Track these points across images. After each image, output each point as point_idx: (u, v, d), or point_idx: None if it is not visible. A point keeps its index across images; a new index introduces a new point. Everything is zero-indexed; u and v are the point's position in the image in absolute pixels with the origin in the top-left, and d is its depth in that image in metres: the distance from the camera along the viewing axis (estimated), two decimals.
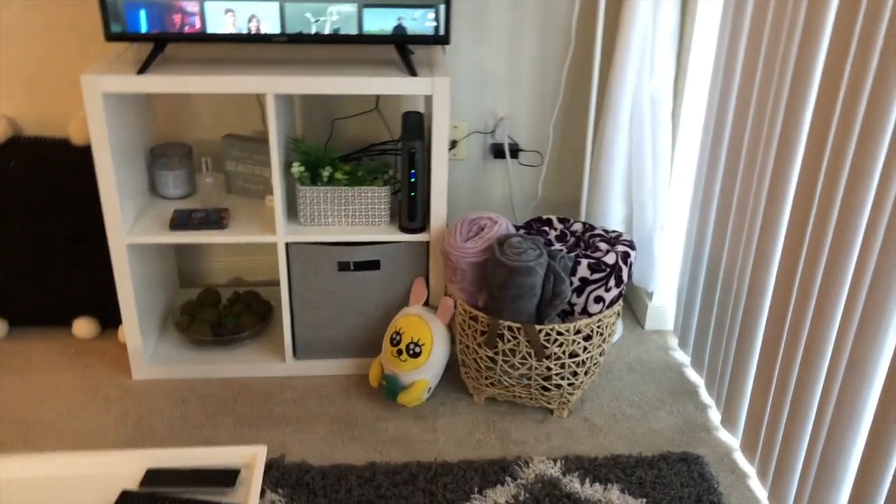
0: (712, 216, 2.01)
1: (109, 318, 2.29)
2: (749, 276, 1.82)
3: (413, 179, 1.98)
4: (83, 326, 2.28)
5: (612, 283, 1.90)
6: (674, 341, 2.36)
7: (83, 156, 2.16)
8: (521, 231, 2.08)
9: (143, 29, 1.83)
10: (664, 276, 2.34)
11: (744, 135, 1.81)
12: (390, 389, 2.04)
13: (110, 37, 1.84)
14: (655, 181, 2.19)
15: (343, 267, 2.07)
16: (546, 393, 2.00)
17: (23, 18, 2.14)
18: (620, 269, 1.91)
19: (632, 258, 1.95)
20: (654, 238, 2.25)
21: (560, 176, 2.49)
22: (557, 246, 2.04)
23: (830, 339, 1.49)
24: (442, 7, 1.87)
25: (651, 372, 2.24)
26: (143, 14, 1.82)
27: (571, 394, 2.01)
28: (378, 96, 2.32)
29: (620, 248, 1.94)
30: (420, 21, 1.88)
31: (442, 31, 1.90)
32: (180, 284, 2.52)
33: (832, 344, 1.49)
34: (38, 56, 2.20)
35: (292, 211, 2.09)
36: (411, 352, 2.00)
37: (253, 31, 1.85)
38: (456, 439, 1.97)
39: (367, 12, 1.86)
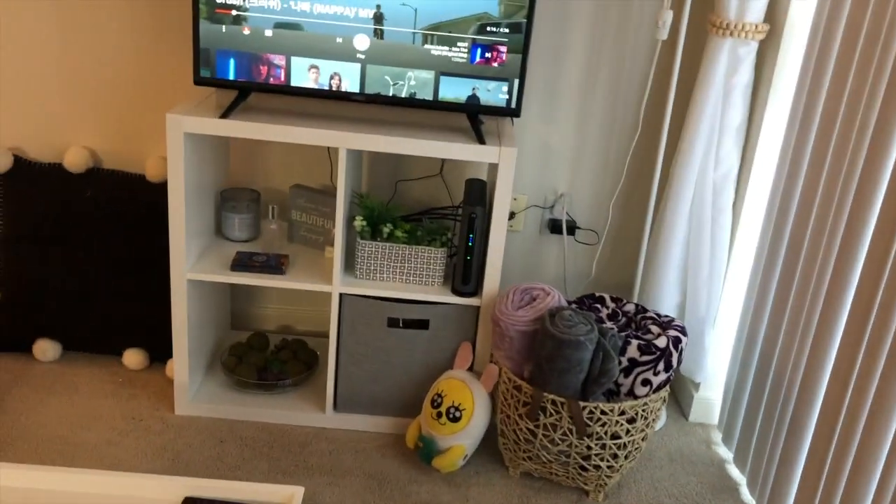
0: (767, 311, 1.99)
1: (159, 351, 2.34)
2: (801, 376, 1.78)
3: (471, 244, 2.01)
4: (133, 357, 2.33)
5: (661, 367, 1.88)
6: (718, 436, 2.30)
7: (156, 192, 2.25)
8: (574, 306, 2.08)
9: (231, 76, 1.93)
10: (713, 368, 2.30)
11: (805, 231, 1.81)
12: (426, 452, 2.02)
13: (199, 81, 1.93)
14: (712, 271, 2.18)
15: (392, 323, 2.09)
16: (584, 473, 1.96)
17: (115, 56, 2.27)
18: (671, 354, 1.89)
19: (683, 344, 1.93)
20: (706, 328, 2.23)
21: (615, 257, 2.50)
22: (608, 324, 2.04)
23: (884, 448, 1.45)
24: (516, 81, 1.93)
25: (692, 465, 2.18)
26: (232, 62, 1.91)
27: (609, 476, 1.97)
28: (443, 162, 2.38)
29: (672, 332, 1.93)
30: (494, 93, 1.94)
31: (513, 105, 1.95)
32: (231, 326, 2.56)
33: (885, 453, 1.45)
34: (126, 93, 2.32)
35: (350, 264, 2.14)
36: (451, 416, 1.99)
37: (334, 88, 1.93)
38: None
39: (444, 80, 1.93)
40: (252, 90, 1.96)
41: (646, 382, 1.88)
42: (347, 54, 1.90)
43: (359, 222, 2.06)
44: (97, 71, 2.29)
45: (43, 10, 2.22)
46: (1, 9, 2.22)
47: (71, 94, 2.32)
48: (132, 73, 2.29)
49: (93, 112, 2.34)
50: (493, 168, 2.01)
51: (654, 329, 1.96)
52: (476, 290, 2.07)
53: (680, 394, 2.47)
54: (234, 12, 1.86)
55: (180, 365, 2.13)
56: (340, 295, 2.07)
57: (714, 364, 2.30)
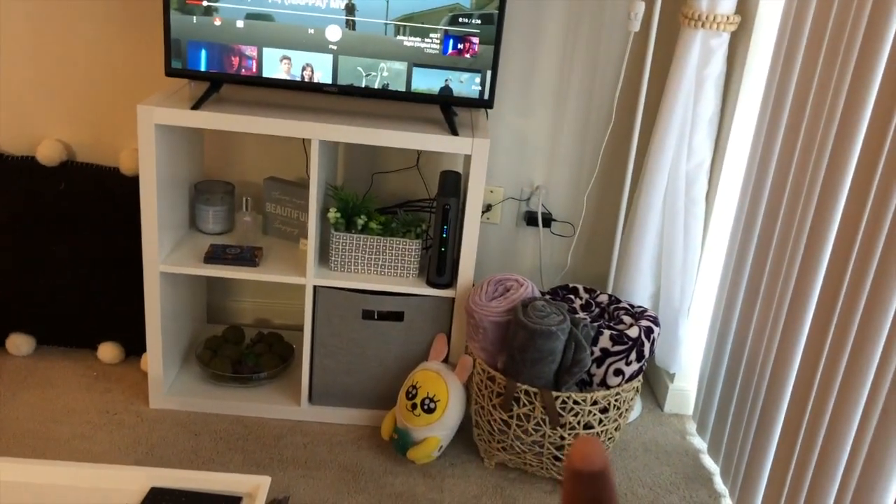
0: (739, 302, 2.00)
1: (134, 345, 2.33)
2: (771, 367, 1.80)
3: (445, 235, 2.01)
4: (107, 351, 2.32)
5: (633, 357, 1.89)
6: (692, 426, 2.32)
7: (129, 185, 2.24)
8: (547, 296, 2.08)
9: (202, 67, 1.92)
10: (687, 358, 2.32)
11: (776, 221, 1.82)
12: (401, 444, 2.03)
13: (170, 72, 1.92)
14: (685, 262, 2.19)
15: (367, 315, 2.09)
16: (557, 463, 1.97)
17: (87, 49, 2.26)
18: (643, 344, 1.90)
19: (655, 334, 1.94)
20: (680, 319, 2.24)
21: (590, 248, 2.51)
22: (581, 314, 2.04)
23: (849, 437, 1.46)
24: (488, 72, 1.93)
25: (667, 455, 2.19)
26: (203, 54, 1.90)
27: None
28: (419, 154, 2.38)
29: (644, 322, 1.94)
30: (467, 84, 1.94)
31: (486, 96, 1.95)
32: (207, 320, 2.55)
33: (850, 442, 1.46)
34: (99, 85, 2.30)
35: (324, 256, 2.13)
36: (426, 407, 1.99)
37: (306, 80, 1.93)
38: (462, 501, 1.94)
39: (417, 71, 1.92)
40: (224, 81, 1.95)
41: (618, 372, 1.89)
42: (319, 45, 1.90)
43: (333, 214, 2.06)
44: (70, 63, 2.27)
45: (14, 9, 2.20)
46: None
47: (43, 87, 2.30)
48: (105, 64, 2.28)
49: (66, 104, 2.32)
50: (468, 160, 2.01)
51: (627, 319, 1.97)
52: (451, 282, 2.07)
53: (655, 384, 2.48)
54: (204, 3, 1.85)
55: (154, 358, 2.12)
56: (315, 287, 2.06)
57: (688, 355, 2.31)
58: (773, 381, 1.79)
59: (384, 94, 1.95)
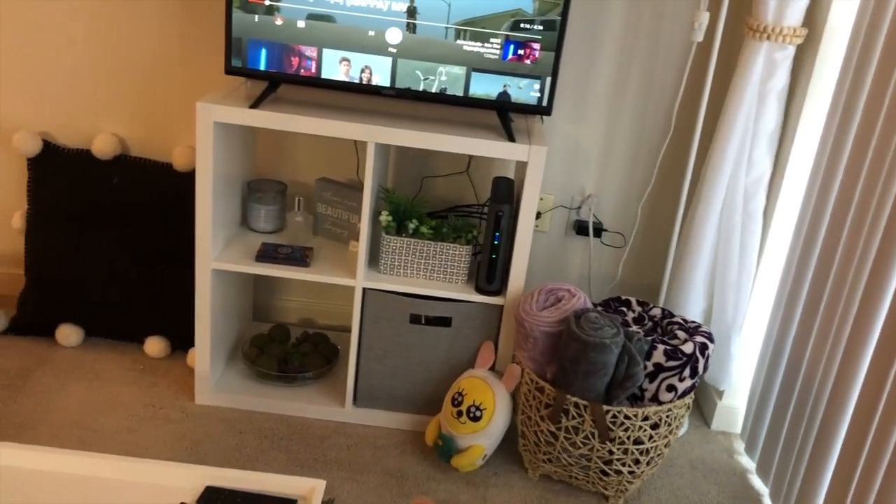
0: (796, 320, 1.95)
1: (180, 340, 2.34)
2: (831, 386, 1.75)
3: (496, 242, 1.99)
4: (154, 345, 2.33)
5: (686, 373, 1.86)
6: (741, 445, 2.27)
7: (182, 182, 2.25)
8: (599, 308, 2.05)
9: (262, 67, 1.92)
10: (738, 376, 2.27)
11: (839, 239, 1.77)
12: (445, 450, 2.01)
13: (230, 71, 1.93)
14: (740, 277, 2.15)
15: (415, 319, 2.08)
16: (604, 478, 1.94)
17: (145, 44, 2.28)
18: (697, 360, 1.86)
19: (709, 351, 1.90)
20: (733, 335, 2.20)
21: (641, 260, 2.47)
22: (634, 328, 2.01)
23: None
24: (548, 79, 1.91)
25: (714, 473, 2.15)
26: (263, 53, 1.91)
27: (630, 482, 1.95)
28: (470, 159, 2.36)
29: (699, 338, 1.90)
30: (525, 90, 1.92)
31: (545, 103, 1.93)
32: (253, 317, 2.56)
33: None
34: (155, 81, 2.32)
35: (374, 259, 2.12)
36: (472, 415, 1.97)
37: (364, 82, 1.92)
38: None
39: (476, 76, 1.91)
40: (282, 81, 1.95)
41: (671, 388, 1.86)
42: (379, 48, 1.89)
43: (384, 217, 2.05)
44: (127, 58, 2.30)
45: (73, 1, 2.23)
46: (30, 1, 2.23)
47: (100, 81, 2.32)
48: (162, 60, 2.30)
49: (122, 99, 2.34)
50: (521, 166, 1.99)
51: (681, 334, 1.93)
52: (500, 290, 2.05)
53: (703, 401, 2.43)
54: (266, 2, 1.86)
55: (202, 355, 2.13)
56: (364, 289, 2.06)
57: (739, 372, 2.27)
58: (832, 402, 1.74)
59: (442, 98, 1.93)
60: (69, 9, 2.24)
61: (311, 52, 1.90)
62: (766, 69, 1.98)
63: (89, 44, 2.28)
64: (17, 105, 2.35)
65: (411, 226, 2.06)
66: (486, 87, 1.92)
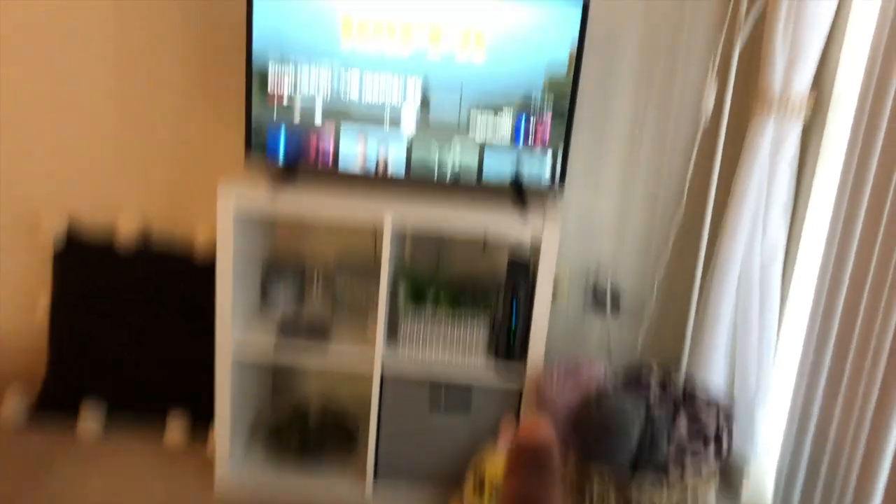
0: (820, 389, 1.93)
1: (201, 417, 2.34)
2: (861, 456, 1.72)
3: (514, 316, 2.00)
4: (175, 426, 2.33)
5: (711, 450, 1.83)
6: None
7: (203, 260, 2.29)
8: (620, 382, 2.04)
9: (281, 154, 1.98)
10: (765, 447, 2.23)
11: (859, 308, 1.76)
12: None
13: (250, 158, 1.99)
14: (761, 348, 2.13)
15: (435, 396, 2.07)
16: None
17: (166, 129, 2.35)
18: (721, 438, 1.84)
19: (733, 423, 1.88)
20: (756, 406, 2.17)
21: (661, 331, 2.46)
22: (656, 402, 1.99)
23: None
24: (559, 158, 1.95)
25: None
26: (282, 141, 1.97)
27: None
28: (486, 240, 2.39)
29: (722, 412, 1.88)
30: (537, 168, 1.96)
31: (557, 180, 1.97)
32: (273, 396, 2.57)
33: None
34: (175, 165, 2.38)
35: (392, 333, 2.14)
36: (495, 493, 1.95)
37: (380, 169, 1.97)
38: None
39: (488, 157, 1.95)
40: (301, 168, 2.01)
41: (696, 463, 1.83)
42: (394, 136, 1.94)
43: (403, 292, 2.07)
44: (150, 143, 2.37)
45: (99, 84, 2.31)
46: (57, 82, 2.32)
47: (123, 167, 2.39)
48: (184, 147, 2.37)
49: (143, 182, 2.41)
50: (537, 241, 2.01)
51: (703, 408, 1.91)
52: (520, 364, 2.05)
53: (731, 473, 2.38)
54: (285, 100, 1.92)
55: (222, 446, 2.13)
56: (383, 367, 2.06)
57: (766, 443, 2.23)
58: (863, 471, 1.70)
59: (456, 181, 1.97)
60: (88, 94, 2.32)
61: (328, 138, 1.96)
62: (776, 142, 2.01)
63: (112, 130, 2.36)
64: (43, 191, 2.42)
65: (430, 298, 2.07)
66: (499, 167, 1.96)
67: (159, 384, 2.34)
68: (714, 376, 2.20)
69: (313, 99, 1.92)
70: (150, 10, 2.26)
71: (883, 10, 1.72)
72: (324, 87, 1.91)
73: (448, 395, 2.07)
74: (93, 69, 2.31)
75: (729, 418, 1.86)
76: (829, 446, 1.86)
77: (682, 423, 1.83)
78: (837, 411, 1.84)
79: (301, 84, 1.91)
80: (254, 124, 1.95)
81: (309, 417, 2.37)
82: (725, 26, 2.14)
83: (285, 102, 1.93)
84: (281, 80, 1.92)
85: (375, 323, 2.07)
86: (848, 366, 1.80)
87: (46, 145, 2.38)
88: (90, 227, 2.44)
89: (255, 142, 1.97)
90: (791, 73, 1.93)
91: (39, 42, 2.30)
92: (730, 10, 2.12)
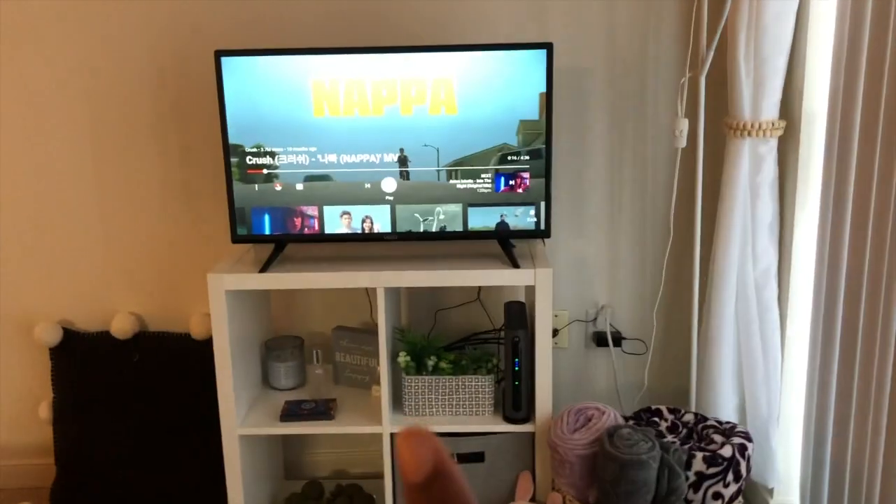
0: (831, 406, 1.91)
1: None
2: (881, 471, 1.69)
3: (517, 368, 1.99)
4: None
5: (730, 477, 1.80)
6: None
7: (201, 349, 2.28)
8: (631, 422, 2.02)
9: (267, 231, 1.98)
10: (785, 471, 2.20)
11: (858, 317, 1.76)
12: None
13: (236, 240, 1.99)
14: (767, 368, 2.12)
15: (447, 447, 2.04)
16: None
17: (151, 224, 2.36)
18: (738, 463, 1.81)
19: (749, 451, 1.86)
20: (770, 429, 2.15)
21: (666, 364, 2.45)
22: (669, 438, 1.97)
23: None
24: (542, 204, 1.96)
25: None
26: (267, 218, 1.98)
27: None
28: (480, 288, 2.39)
29: (736, 440, 1.86)
30: (522, 217, 1.97)
31: (542, 226, 1.98)
32: (285, 476, 2.53)
33: None
34: (165, 257, 2.39)
35: (398, 401, 2.12)
36: None
37: (366, 231, 1.98)
38: None
39: (472, 211, 1.96)
40: (288, 241, 2.01)
41: (717, 496, 1.80)
42: (377, 197, 1.96)
43: (402, 358, 2.06)
44: (136, 238, 2.38)
45: (81, 186, 2.33)
46: (41, 187, 2.34)
47: (113, 264, 2.40)
48: (170, 237, 2.37)
49: (134, 278, 2.41)
50: (531, 289, 2.01)
51: (718, 438, 1.89)
52: (529, 416, 2.03)
53: (754, 501, 2.35)
54: (265, 171, 1.94)
55: None
56: (392, 434, 2.04)
57: (785, 467, 2.20)
58: (884, 490, 1.68)
59: (442, 235, 1.98)
60: (76, 200, 2.34)
61: (312, 210, 1.97)
62: (753, 164, 2.03)
63: (98, 230, 2.37)
64: (35, 296, 2.42)
65: (430, 363, 2.06)
66: (483, 219, 1.97)
67: (171, 481, 2.30)
68: (724, 402, 2.18)
69: (293, 172, 1.94)
70: (122, 113, 2.29)
71: (839, 28, 1.76)
72: (301, 159, 1.93)
73: (460, 449, 2.04)
74: (71, 175, 2.33)
75: (744, 444, 1.84)
76: (849, 465, 1.84)
77: (697, 452, 1.81)
78: (851, 428, 1.82)
79: (279, 160, 1.93)
80: (237, 206, 1.97)
81: (324, 495, 2.33)
82: (689, 58, 2.18)
83: (265, 181, 1.94)
84: (259, 160, 1.94)
85: (379, 394, 2.05)
86: (856, 377, 1.79)
87: (35, 257, 2.39)
88: (85, 330, 2.43)
89: (240, 223, 1.98)
90: (759, 99, 1.96)
91: (19, 153, 2.32)
92: (690, 42, 2.16)
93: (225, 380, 2.01)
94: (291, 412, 2.07)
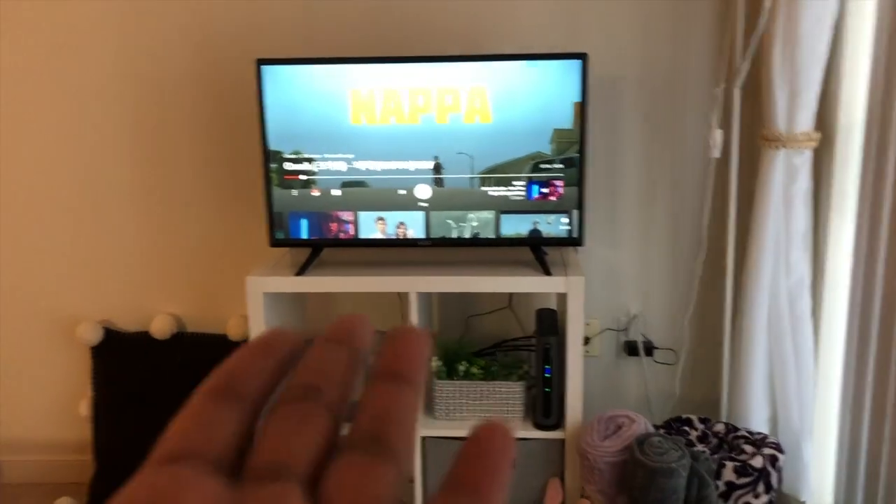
0: (866, 418, 1.90)
1: None
2: None
3: (548, 375, 2.00)
4: None
5: (760, 488, 1.80)
6: None
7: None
8: (661, 430, 2.02)
9: (304, 235, 2.03)
10: (818, 483, 2.18)
11: (893, 331, 1.75)
12: None
13: (274, 243, 2.04)
14: (800, 380, 2.11)
15: None
16: None
17: (192, 227, 2.42)
18: (769, 474, 1.81)
19: (780, 462, 1.85)
20: (803, 442, 2.13)
21: (697, 374, 2.44)
22: (700, 447, 1.97)
23: None
24: (575, 212, 1.98)
25: None
26: (304, 223, 2.02)
27: None
28: (511, 294, 2.41)
29: (767, 450, 1.85)
30: (554, 225, 1.99)
31: (575, 234, 1.99)
32: None
33: None
34: (204, 260, 2.44)
35: (428, 405, 2.14)
36: None
37: (400, 237, 2.01)
38: None
39: (505, 218, 1.99)
40: (324, 246, 2.05)
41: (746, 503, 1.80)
42: (411, 204, 1.99)
43: (434, 363, 2.09)
44: (176, 242, 2.44)
45: (124, 191, 2.40)
46: (84, 191, 2.41)
47: (153, 265, 2.46)
48: (209, 241, 2.43)
49: (174, 279, 2.47)
50: (562, 296, 2.02)
51: (748, 448, 1.89)
52: (559, 423, 2.04)
53: None
54: (302, 177, 1.98)
55: None
56: (423, 438, 2.06)
57: (819, 479, 2.18)
58: None
59: (475, 242, 2.01)
60: (119, 202, 2.41)
61: (348, 216, 2.01)
62: (788, 175, 2.03)
63: (140, 234, 2.43)
64: (78, 297, 2.49)
65: (461, 368, 2.09)
66: (516, 226, 1.99)
67: None
68: (756, 414, 2.17)
69: (330, 178, 1.98)
70: (164, 119, 2.35)
71: (877, 39, 1.76)
72: (338, 166, 1.97)
73: None
74: (114, 179, 2.40)
75: (775, 455, 1.84)
76: (883, 478, 1.83)
77: (728, 462, 1.80)
78: (886, 440, 1.81)
79: (317, 166, 1.98)
80: (275, 211, 2.01)
81: None
82: (723, 68, 2.18)
83: (303, 186, 1.99)
84: (297, 166, 1.98)
85: None
86: (891, 389, 1.78)
87: (77, 258, 2.46)
88: (125, 330, 2.49)
89: (278, 227, 2.02)
90: (794, 111, 1.96)
91: (63, 158, 2.39)
92: (725, 52, 2.16)
93: None
94: None
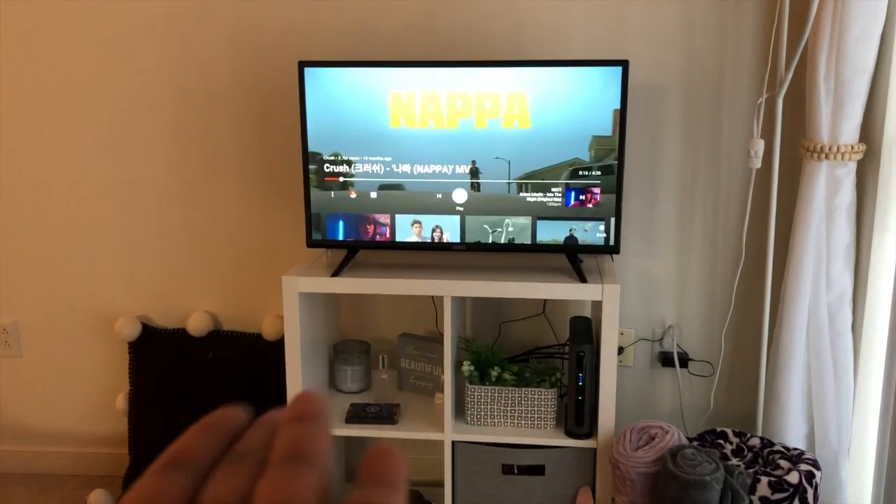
0: None
1: None
2: None
3: (581, 383, 1.99)
4: None
5: (795, 501, 1.77)
6: None
7: (272, 350, 2.35)
8: (695, 443, 2.00)
9: (340, 237, 2.04)
10: (855, 502, 2.14)
11: None
12: None
13: (311, 244, 2.06)
14: (838, 397, 2.07)
15: (507, 470, 2.06)
16: None
17: (231, 226, 2.45)
18: (805, 490, 1.78)
19: (817, 479, 1.82)
20: (840, 459, 2.09)
21: (733, 388, 2.41)
22: (734, 461, 1.94)
23: None
24: (612, 220, 1.97)
25: None
26: (341, 224, 2.04)
27: None
28: (545, 301, 2.40)
29: (804, 466, 1.82)
30: (591, 232, 1.98)
31: (612, 242, 1.98)
32: (346, 478, 2.57)
33: None
34: (241, 259, 2.48)
35: (460, 409, 2.14)
36: None
37: (436, 241, 2.02)
38: None
39: (541, 224, 1.98)
40: (360, 248, 2.07)
41: None
42: (447, 208, 1.99)
43: (466, 367, 2.09)
44: (214, 240, 2.47)
45: (164, 190, 2.44)
46: (126, 190, 2.45)
47: (191, 263, 2.49)
48: (246, 240, 2.46)
49: (211, 277, 2.50)
50: (597, 305, 2.01)
51: (784, 464, 1.85)
52: (591, 432, 2.03)
53: None
54: (341, 179, 2.00)
55: None
56: (453, 443, 2.06)
57: (857, 498, 2.14)
58: None
59: (511, 247, 2.01)
60: (159, 201, 2.45)
61: (384, 218, 2.02)
62: (830, 187, 2.00)
63: (179, 232, 2.47)
64: (117, 293, 2.53)
65: (494, 373, 2.08)
66: (552, 233, 1.99)
67: None
68: (793, 430, 2.14)
69: (368, 181, 2.00)
70: (205, 120, 2.39)
71: None
72: (376, 168, 1.99)
73: (520, 461, 2.05)
74: (155, 178, 2.44)
75: (812, 471, 1.80)
76: None
77: (762, 477, 1.78)
78: None
79: (355, 168, 1.99)
80: (313, 211, 2.03)
81: None
82: (766, 78, 2.16)
83: (341, 188, 2.01)
84: (336, 168, 2.00)
85: (442, 401, 2.08)
86: None
87: (117, 255, 2.51)
88: (162, 326, 2.53)
89: (315, 228, 2.04)
90: (838, 122, 1.93)
91: (106, 158, 2.44)
92: (769, 62, 2.14)
93: (294, 379, 2.07)
94: (357, 414, 2.11)
